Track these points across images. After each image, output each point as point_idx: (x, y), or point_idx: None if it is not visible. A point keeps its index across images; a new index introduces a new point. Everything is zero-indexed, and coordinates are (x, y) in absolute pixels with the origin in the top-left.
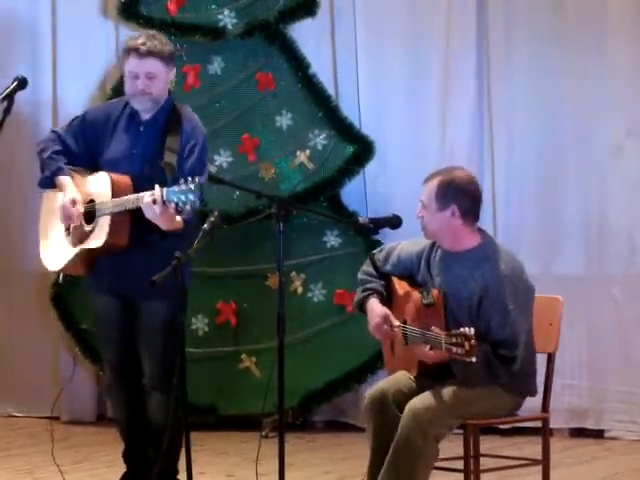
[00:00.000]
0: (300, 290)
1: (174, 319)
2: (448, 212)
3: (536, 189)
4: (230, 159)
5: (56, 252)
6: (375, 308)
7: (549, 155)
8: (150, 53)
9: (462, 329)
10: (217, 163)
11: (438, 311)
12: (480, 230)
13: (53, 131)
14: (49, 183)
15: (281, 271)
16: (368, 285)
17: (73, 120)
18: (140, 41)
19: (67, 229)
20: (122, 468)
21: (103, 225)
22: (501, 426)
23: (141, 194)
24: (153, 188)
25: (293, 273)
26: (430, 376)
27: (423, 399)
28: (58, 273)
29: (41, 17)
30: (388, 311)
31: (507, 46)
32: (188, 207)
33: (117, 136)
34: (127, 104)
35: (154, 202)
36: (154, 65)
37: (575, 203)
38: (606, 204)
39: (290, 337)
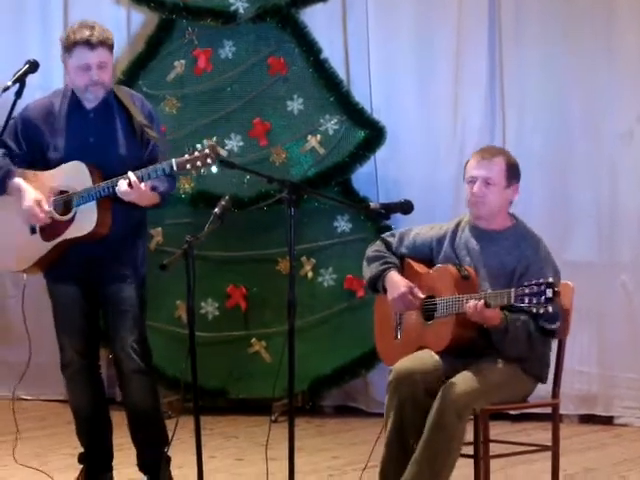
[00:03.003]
0: (310, 275)
1: (144, 300)
2: (511, 190)
3: (547, 175)
4: (241, 143)
5: (19, 252)
6: (398, 280)
7: (560, 141)
8: (101, 43)
9: (540, 279)
10: (228, 147)
11: (473, 284)
12: (510, 213)
13: None
14: (2, 188)
15: (292, 256)
16: (387, 259)
17: (7, 121)
18: (87, 33)
19: (32, 228)
20: (133, 450)
21: (88, 213)
22: (510, 412)
23: (114, 179)
24: (127, 169)
25: (303, 258)
26: (458, 354)
27: (458, 384)
28: (24, 274)
29: (53, 2)
30: (412, 283)
31: (518, 33)
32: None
33: (65, 129)
34: (65, 95)
35: (130, 186)
36: (104, 54)
37: (586, 189)
38: (617, 190)
39: (300, 322)
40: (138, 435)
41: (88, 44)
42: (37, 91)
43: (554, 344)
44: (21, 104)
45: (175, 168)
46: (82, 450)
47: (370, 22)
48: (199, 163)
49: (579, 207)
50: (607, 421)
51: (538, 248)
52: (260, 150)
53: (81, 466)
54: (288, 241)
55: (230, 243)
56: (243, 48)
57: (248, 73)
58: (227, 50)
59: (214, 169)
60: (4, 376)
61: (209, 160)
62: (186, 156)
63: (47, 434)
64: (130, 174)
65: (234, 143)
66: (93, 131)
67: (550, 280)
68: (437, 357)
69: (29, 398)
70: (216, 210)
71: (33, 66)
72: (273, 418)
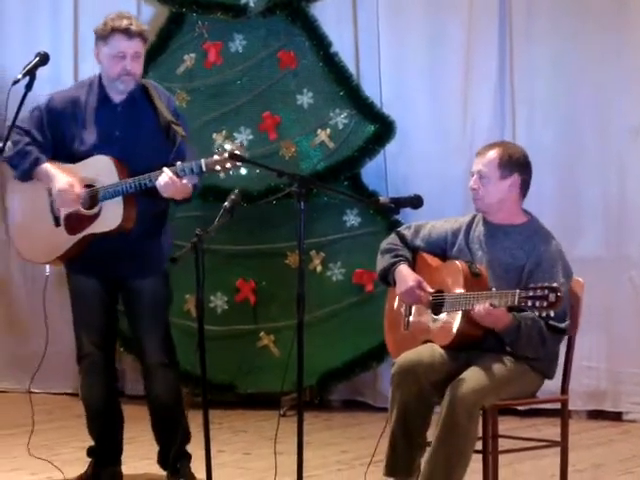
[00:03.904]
0: (319, 269)
1: (169, 294)
2: (508, 182)
3: (556, 171)
4: (250, 137)
5: (43, 244)
6: (407, 273)
7: (569, 137)
8: (139, 33)
9: (545, 283)
10: (237, 141)
11: (484, 283)
12: (525, 210)
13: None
14: (29, 175)
15: (301, 250)
16: (399, 252)
17: (33, 111)
18: (126, 22)
19: (56, 219)
20: (141, 444)
21: (114, 208)
22: (519, 407)
23: (152, 174)
24: (151, 163)
25: (312, 252)
26: (463, 348)
27: (467, 381)
28: (46, 266)
29: None
30: (421, 278)
31: (529, 29)
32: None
33: (91, 122)
34: (91, 88)
35: (171, 180)
36: (139, 45)
37: (595, 185)
38: (625, 186)
39: (309, 316)
40: (161, 430)
41: (127, 32)
42: (47, 84)
43: (563, 340)
44: (31, 97)
45: (204, 169)
46: (92, 444)
47: (380, 16)
48: (228, 165)
49: (588, 203)
50: (616, 417)
51: (551, 246)
52: (270, 144)
53: (89, 460)
54: (298, 235)
55: (239, 237)
56: (253, 42)
57: (258, 67)
58: (237, 44)
59: (243, 171)
60: (13, 369)
61: (238, 162)
62: (215, 157)
63: (55, 427)
64: (166, 170)
65: (243, 137)
66: (120, 125)
67: (554, 285)
68: (441, 350)
69: (38, 391)
70: (226, 204)
71: (43, 58)
72: (282, 412)
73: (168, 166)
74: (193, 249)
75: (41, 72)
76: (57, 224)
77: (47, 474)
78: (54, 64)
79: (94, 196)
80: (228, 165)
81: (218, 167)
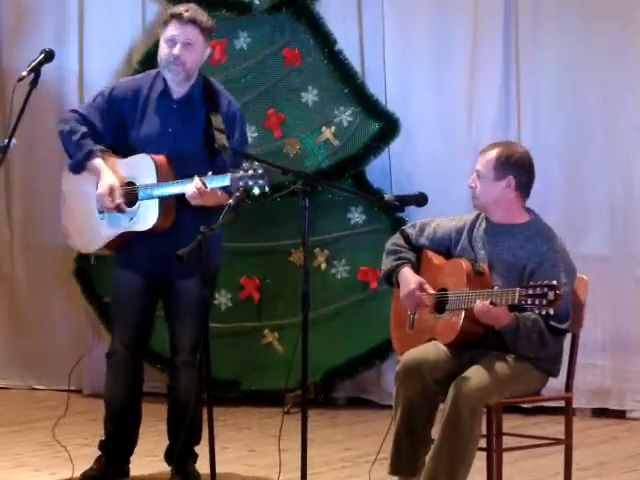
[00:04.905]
0: (324, 266)
1: (208, 297)
2: (503, 183)
3: (562, 170)
4: (255, 134)
5: (89, 234)
6: (409, 276)
7: (575, 136)
8: (192, 20)
9: (544, 281)
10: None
11: (487, 281)
12: (528, 209)
13: (74, 111)
14: (81, 167)
15: (306, 248)
16: (402, 254)
17: (96, 97)
18: (183, 8)
19: (101, 212)
20: (146, 441)
21: (151, 208)
22: (523, 405)
23: (185, 182)
24: (193, 168)
25: (317, 249)
26: (466, 346)
27: (471, 379)
28: (91, 255)
29: None
30: (423, 279)
31: (534, 28)
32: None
33: (148, 114)
34: (155, 80)
35: (199, 192)
36: (193, 33)
37: (601, 184)
38: (631, 184)
39: (313, 313)
40: (175, 427)
41: (179, 18)
42: (52, 81)
43: (567, 338)
44: (35, 95)
45: (229, 183)
46: (102, 438)
47: (385, 14)
48: (251, 182)
49: (594, 201)
50: (620, 415)
51: (554, 245)
52: (274, 141)
53: (96, 455)
54: (303, 233)
55: (243, 234)
56: (258, 39)
57: (263, 64)
58: (242, 41)
59: (257, 191)
60: (15, 366)
61: (261, 181)
62: (240, 172)
63: (59, 424)
64: (196, 179)
65: (248, 134)
66: (173, 122)
67: (553, 283)
68: (445, 348)
69: (42, 388)
70: (230, 201)
71: (48, 55)
72: (286, 409)
73: (204, 175)
74: (198, 246)
75: (46, 69)
76: (102, 216)
77: (51, 470)
78: (59, 62)
79: (134, 194)
80: (250, 182)
81: (242, 183)
